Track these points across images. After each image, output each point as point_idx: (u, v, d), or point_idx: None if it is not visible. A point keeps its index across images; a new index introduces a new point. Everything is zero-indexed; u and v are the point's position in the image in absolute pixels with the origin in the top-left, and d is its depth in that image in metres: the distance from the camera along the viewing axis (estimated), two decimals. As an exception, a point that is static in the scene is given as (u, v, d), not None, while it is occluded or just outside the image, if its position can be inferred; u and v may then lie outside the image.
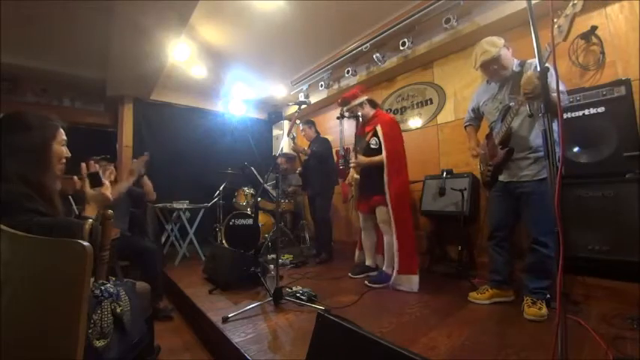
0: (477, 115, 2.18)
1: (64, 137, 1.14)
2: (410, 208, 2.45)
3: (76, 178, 1.11)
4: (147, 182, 2.64)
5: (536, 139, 1.77)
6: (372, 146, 2.49)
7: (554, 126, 1.14)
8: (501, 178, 1.91)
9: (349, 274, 2.72)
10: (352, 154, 2.62)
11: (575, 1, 1.12)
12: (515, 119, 1.78)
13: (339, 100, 2.70)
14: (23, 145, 1.01)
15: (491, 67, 1.87)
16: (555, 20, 1.27)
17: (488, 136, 1.99)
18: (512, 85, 1.81)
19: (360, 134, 2.66)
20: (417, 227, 3.23)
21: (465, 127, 2.26)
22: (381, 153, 2.40)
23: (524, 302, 1.79)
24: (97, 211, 1.09)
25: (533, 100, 1.58)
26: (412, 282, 2.26)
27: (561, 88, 1.57)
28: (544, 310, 1.70)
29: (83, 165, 1.12)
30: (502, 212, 1.95)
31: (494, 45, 1.82)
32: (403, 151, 2.49)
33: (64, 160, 1.15)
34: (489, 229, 2.05)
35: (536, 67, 1.56)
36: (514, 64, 1.88)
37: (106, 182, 1.17)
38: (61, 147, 1.13)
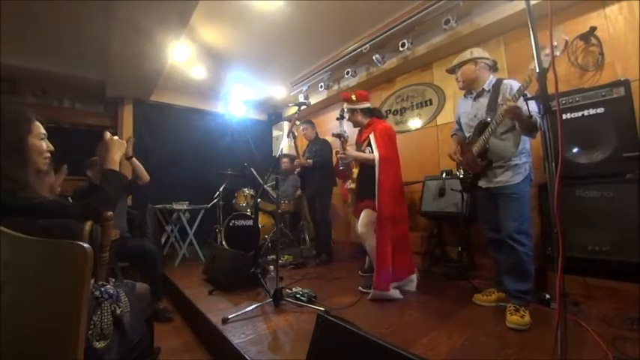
0: (461, 127, 2.20)
1: (42, 131, 1.10)
2: (404, 217, 2.33)
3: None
4: (136, 163, 2.39)
5: (510, 149, 1.83)
6: None
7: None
8: (480, 183, 1.95)
9: (359, 273, 2.56)
10: (342, 149, 2.46)
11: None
12: (492, 135, 1.82)
13: (343, 96, 2.61)
14: None
15: (461, 73, 2.02)
16: None
17: (464, 147, 2.02)
18: (488, 102, 1.88)
19: (357, 142, 2.61)
20: (416, 228, 3.24)
21: (452, 135, 2.28)
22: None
23: (507, 309, 1.73)
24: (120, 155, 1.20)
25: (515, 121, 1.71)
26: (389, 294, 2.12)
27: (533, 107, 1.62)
28: (527, 319, 1.63)
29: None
30: (491, 214, 1.95)
31: (471, 52, 2.00)
32: (397, 159, 2.38)
33: (47, 155, 1.11)
34: (486, 234, 2.04)
35: (512, 90, 1.71)
36: (488, 81, 1.94)
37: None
38: (39, 141, 1.08)
